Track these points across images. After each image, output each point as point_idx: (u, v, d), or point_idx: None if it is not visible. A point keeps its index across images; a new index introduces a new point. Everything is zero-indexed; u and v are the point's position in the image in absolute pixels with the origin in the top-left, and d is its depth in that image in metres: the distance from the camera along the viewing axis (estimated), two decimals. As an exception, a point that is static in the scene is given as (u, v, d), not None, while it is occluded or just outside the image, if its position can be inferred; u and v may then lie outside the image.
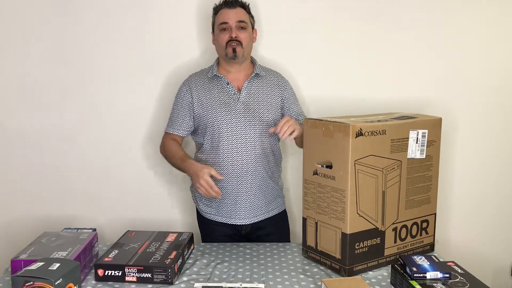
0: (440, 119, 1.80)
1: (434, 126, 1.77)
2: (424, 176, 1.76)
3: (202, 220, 2.05)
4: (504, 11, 2.28)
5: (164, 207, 2.38)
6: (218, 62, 2.01)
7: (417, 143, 1.71)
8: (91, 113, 2.30)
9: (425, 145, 1.73)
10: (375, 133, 1.60)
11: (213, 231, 2.01)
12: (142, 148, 2.34)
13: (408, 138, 1.69)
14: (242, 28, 1.90)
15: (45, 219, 2.34)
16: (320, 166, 1.67)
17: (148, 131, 2.32)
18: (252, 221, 1.96)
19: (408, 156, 1.70)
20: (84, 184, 2.35)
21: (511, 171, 2.42)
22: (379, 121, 1.66)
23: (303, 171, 1.75)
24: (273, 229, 2.02)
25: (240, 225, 1.96)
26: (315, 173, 1.68)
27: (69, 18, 2.23)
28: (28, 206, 2.35)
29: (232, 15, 1.89)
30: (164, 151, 2.02)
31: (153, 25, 2.25)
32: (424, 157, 1.74)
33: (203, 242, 2.05)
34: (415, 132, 1.70)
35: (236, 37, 1.88)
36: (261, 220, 1.98)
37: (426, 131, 1.73)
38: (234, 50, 1.88)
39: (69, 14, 2.23)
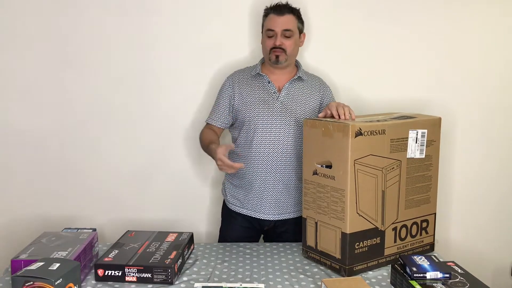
0: (440, 119, 1.80)
1: (433, 125, 1.77)
2: (423, 176, 1.76)
3: (226, 211, 2.08)
4: (504, 11, 2.28)
5: (164, 207, 2.38)
6: (263, 61, 2.05)
7: (416, 142, 1.71)
8: (91, 113, 2.30)
9: (425, 145, 1.73)
10: (374, 133, 1.60)
11: (235, 221, 2.04)
12: (142, 148, 2.34)
13: (407, 137, 1.69)
14: (287, 36, 1.91)
15: (45, 219, 2.34)
16: (319, 166, 1.67)
17: (148, 131, 2.32)
18: (276, 218, 1.97)
19: (408, 156, 1.70)
20: (84, 184, 2.35)
21: (510, 171, 2.42)
22: (378, 121, 1.66)
23: (303, 171, 1.75)
24: (292, 228, 2.01)
25: (263, 220, 1.98)
26: (315, 173, 1.68)
27: (70, 17, 2.23)
28: (28, 206, 2.35)
29: (279, 23, 1.90)
30: (200, 139, 2.05)
31: (156, 25, 2.25)
32: (423, 156, 1.74)
33: (220, 233, 2.10)
34: (415, 131, 1.70)
35: (280, 45, 1.90)
36: (285, 219, 1.99)
37: (426, 130, 1.73)
38: (277, 56, 1.92)
39: (69, 13, 2.22)
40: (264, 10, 1.99)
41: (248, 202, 1.99)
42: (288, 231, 2.01)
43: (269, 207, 1.96)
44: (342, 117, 1.69)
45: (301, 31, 2.00)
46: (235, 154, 2.01)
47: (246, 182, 1.98)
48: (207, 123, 2.08)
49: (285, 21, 1.92)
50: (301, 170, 1.96)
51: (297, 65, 2.06)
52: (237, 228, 2.04)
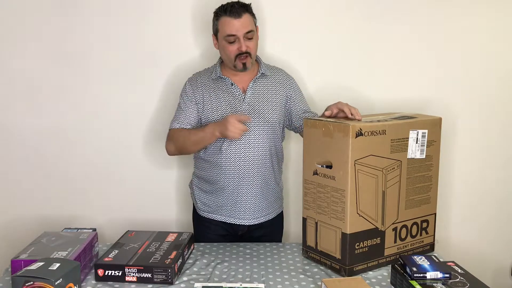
0: (440, 119, 1.80)
1: (434, 126, 1.77)
2: (424, 176, 1.76)
3: (198, 218, 2.04)
4: (504, 11, 2.28)
5: (164, 207, 2.38)
6: (221, 61, 1.96)
7: (417, 143, 1.71)
8: (91, 113, 2.30)
9: (425, 145, 1.73)
10: (375, 133, 1.60)
11: (208, 230, 1.99)
12: (142, 148, 2.34)
13: (408, 138, 1.69)
14: (250, 38, 1.82)
15: (45, 219, 2.34)
16: (320, 166, 1.67)
17: (148, 131, 2.32)
18: (252, 223, 1.95)
19: (408, 156, 1.70)
20: (84, 184, 2.35)
21: (510, 170, 2.42)
22: (379, 121, 1.66)
23: (303, 171, 1.75)
24: (268, 231, 2.01)
25: (238, 225, 1.95)
26: (315, 173, 1.68)
27: (69, 17, 2.23)
28: (28, 206, 2.35)
29: (240, 27, 1.79)
30: (174, 140, 1.92)
31: (151, 25, 2.25)
32: (424, 157, 1.74)
33: (196, 241, 2.05)
34: (415, 132, 1.70)
35: (246, 49, 1.81)
36: (261, 222, 1.97)
37: (426, 131, 1.73)
38: (244, 64, 1.84)
39: (69, 14, 2.22)
40: (215, 12, 1.86)
41: (220, 208, 1.94)
42: (266, 234, 1.98)
43: (244, 212, 1.92)
44: (357, 117, 1.65)
45: (255, 24, 1.88)
46: (205, 161, 1.94)
47: (218, 188, 1.92)
48: (172, 129, 1.94)
49: (245, 23, 1.79)
50: (276, 172, 1.96)
51: (258, 61, 1.97)
52: (210, 236, 1.98)
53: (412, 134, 1.70)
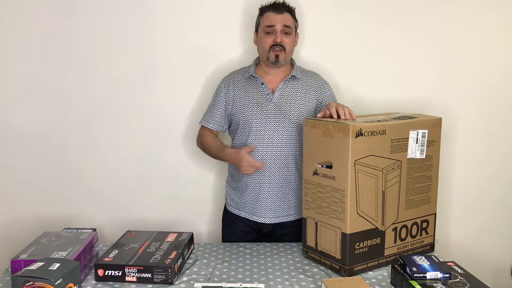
0: (440, 119, 1.80)
1: (434, 126, 1.77)
2: (424, 176, 1.76)
3: (227, 213, 2.08)
4: (504, 11, 2.28)
5: (164, 207, 2.38)
6: (257, 62, 2.03)
7: (417, 143, 1.71)
8: (91, 113, 2.30)
9: (425, 145, 1.73)
10: (375, 133, 1.60)
11: (234, 225, 2.03)
12: (142, 148, 2.34)
13: (408, 138, 1.69)
14: (287, 33, 1.90)
15: (45, 219, 2.34)
16: (320, 166, 1.67)
17: (148, 131, 2.32)
18: (273, 221, 1.96)
19: (408, 156, 1.70)
20: (84, 184, 2.35)
21: (510, 170, 2.42)
22: (379, 121, 1.66)
23: (303, 171, 1.75)
24: (293, 231, 1.99)
25: (261, 223, 1.96)
26: (315, 173, 1.68)
27: (70, 17, 2.23)
28: (28, 206, 2.35)
29: (279, 19, 1.89)
30: (201, 143, 2.07)
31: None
32: (424, 157, 1.74)
33: (223, 234, 2.10)
34: (415, 132, 1.70)
35: (281, 42, 1.88)
36: (283, 222, 1.97)
37: (426, 131, 1.73)
38: (276, 56, 1.90)
39: (69, 13, 2.23)
40: (260, 8, 1.97)
41: (245, 204, 1.98)
42: (288, 234, 1.99)
43: (266, 210, 1.94)
44: (342, 117, 1.68)
45: (296, 30, 1.99)
46: None
47: (242, 184, 1.97)
48: (203, 126, 2.06)
49: (285, 18, 1.91)
50: (299, 172, 1.95)
51: (292, 63, 2.02)
52: (237, 232, 2.02)
53: (412, 134, 1.70)
